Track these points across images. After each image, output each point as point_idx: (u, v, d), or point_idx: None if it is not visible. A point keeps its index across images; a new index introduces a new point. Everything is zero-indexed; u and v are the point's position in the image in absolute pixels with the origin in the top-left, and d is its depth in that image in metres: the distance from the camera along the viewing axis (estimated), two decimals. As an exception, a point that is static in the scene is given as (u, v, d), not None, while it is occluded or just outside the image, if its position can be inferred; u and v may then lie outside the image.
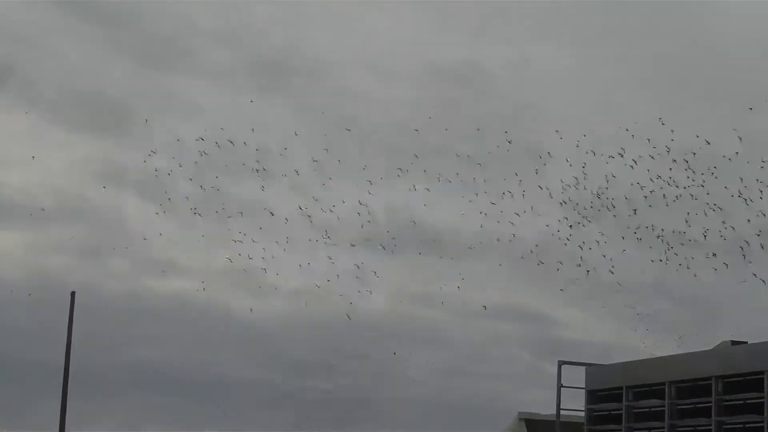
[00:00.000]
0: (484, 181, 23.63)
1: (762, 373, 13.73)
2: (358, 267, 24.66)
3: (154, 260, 36.85)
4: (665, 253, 22.89)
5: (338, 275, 24.70)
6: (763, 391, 13.63)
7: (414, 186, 24.09)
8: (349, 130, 25.58)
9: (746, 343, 15.18)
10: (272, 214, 25.07)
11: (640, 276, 24.15)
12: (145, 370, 39.03)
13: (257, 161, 24.69)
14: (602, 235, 24.22)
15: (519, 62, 37.23)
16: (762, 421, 13.58)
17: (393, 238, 24.51)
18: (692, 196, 22.20)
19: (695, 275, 23.46)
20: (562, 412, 17.61)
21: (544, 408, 18.45)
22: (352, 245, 24.67)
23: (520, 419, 18.75)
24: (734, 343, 15.24)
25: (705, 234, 22.17)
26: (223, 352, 37.27)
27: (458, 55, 38.15)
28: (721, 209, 22.00)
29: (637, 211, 22.52)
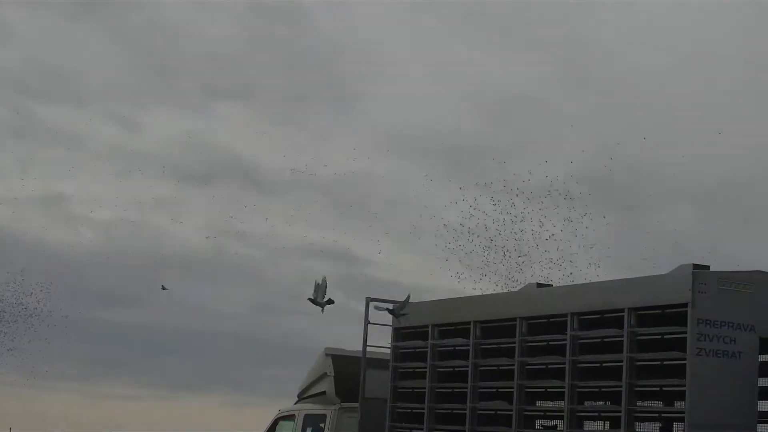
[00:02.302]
0: (301, 116, 23.55)
1: (565, 315, 14.19)
2: (171, 198, 24.25)
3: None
4: (477, 194, 23.41)
5: (151, 206, 24.24)
6: (566, 333, 14.10)
7: (230, 119, 23.84)
8: (166, 61, 24.96)
9: (551, 286, 15.69)
10: (84, 143, 24.35)
11: (452, 216, 24.62)
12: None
13: (69, 88, 23.86)
14: (426, 176, 24.59)
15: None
16: (564, 363, 14.05)
17: (208, 171, 24.16)
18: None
19: (503, 220, 24.12)
20: (368, 348, 17.80)
21: (352, 344, 18.61)
22: (166, 176, 24.20)
23: (327, 355, 18.84)
24: (539, 285, 15.70)
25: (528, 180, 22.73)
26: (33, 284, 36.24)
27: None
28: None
29: (460, 158, 22.88)
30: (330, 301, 18.85)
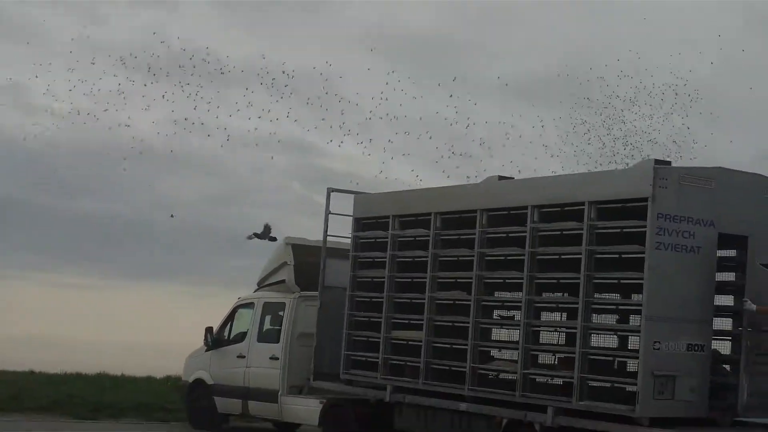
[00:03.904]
0: (267, 10, 23.24)
1: (526, 208, 14.21)
2: (131, 89, 23.94)
3: None
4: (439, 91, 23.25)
5: (110, 96, 23.90)
6: (526, 226, 14.14)
7: (194, 11, 23.47)
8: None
9: (512, 179, 15.68)
10: (44, 34, 23.91)
11: (410, 110, 24.49)
12: None
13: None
14: (390, 73, 24.38)
15: None
16: (523, 254, 14.12)
17: (169, 63, 23.79)
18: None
19: (468, 118, 24.03)
20: (329, 238, 17.82)
21: (312, 235, 18.63)
22: (123, 66, 23.82)
23: (287, 244, 18.85)
24: (501, 178, 15.69)
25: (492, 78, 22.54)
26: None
27: None
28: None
29: (423, 55, 22.67)
30: (273, 238, 19.14)
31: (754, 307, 12.78)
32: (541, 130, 24.06)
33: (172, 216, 31.65)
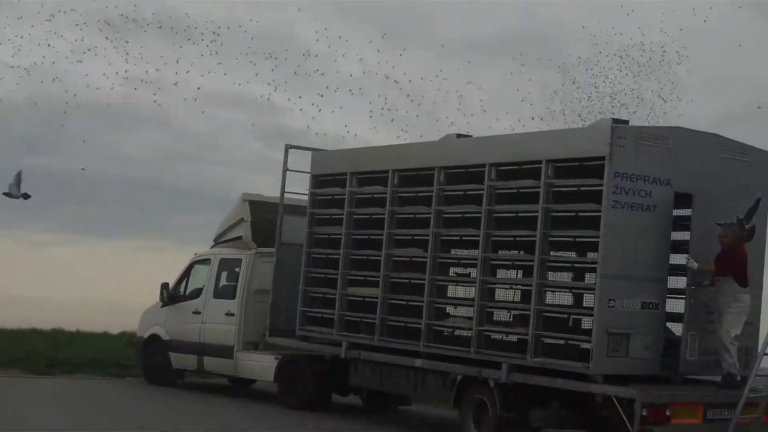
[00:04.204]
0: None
1: (483, 166, 14.19)
2: (84, 43, 23.59)
3: None
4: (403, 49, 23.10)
5: (62, 51, 23.54)
6: (484, 183, 14.12)
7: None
8: None
9: (471, 136, 15.64)
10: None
11: (379, 69, 24.35)
12: None
13: None
14: (350, 29, 24.21)
15: None
16: (480, 212, 14.11)
17: (124, 17, 23.46)
18: None
19: (422, 77, 23.94)
20: (286, 195, 17.74)
21: (270, 191, 18.53)
22: (80, 21, 23.46)
23: (244, 200, 18.74)
24: (459, 135, 15.66)
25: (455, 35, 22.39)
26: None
27: None
28: None
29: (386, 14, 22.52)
30: (26, 195, 19.01)
31: (695, 265, 12.86)
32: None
33: (82, 169, 31.61)
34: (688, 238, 13.20)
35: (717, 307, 12.97)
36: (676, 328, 13.28)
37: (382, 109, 23.68)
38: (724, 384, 12.88)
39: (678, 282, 13.37)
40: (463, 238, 14.82)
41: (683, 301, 13.29)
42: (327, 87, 23.70)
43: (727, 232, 12.96)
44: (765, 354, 12.36)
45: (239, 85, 24.53)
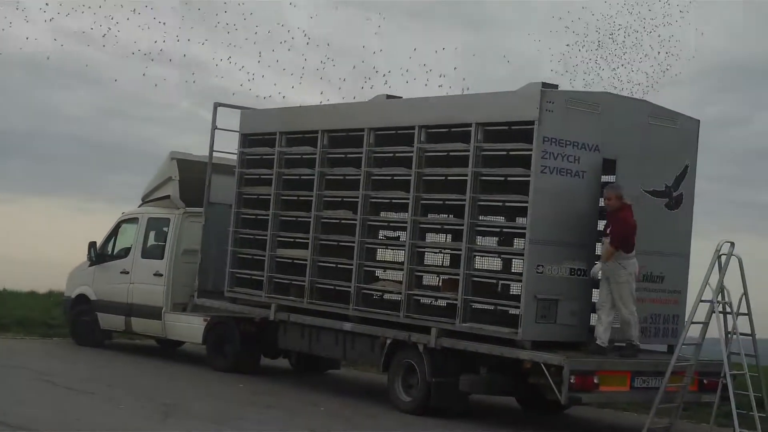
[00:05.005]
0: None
1: (413, 128, 14.03)
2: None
3: None
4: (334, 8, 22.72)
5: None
6: (413, 146, 13.97)
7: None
8: None
9: (401, 98, 15.45)
10: None
11: (313, 30, 23.99)
12: None
13: None
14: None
15: None
16: (410, 175, 13.97)
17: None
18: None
19: (359, 32, 23.63)
20: (215, 154, 17.46)
21: (199, 150, 18.23)
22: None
23: (172, 159, 18.41)
24: (389, 97, 15.47)
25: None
26: None
27: None
28: None
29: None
30: None
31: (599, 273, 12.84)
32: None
33: None
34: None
35: (605, 272, 12.76)
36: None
37: (317, 70, 23.33)
38: (625, 353, 12.87)
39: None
40: (393, 200, 14.68)
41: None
42: (254, 43, 23.28)
43: (611, 194, 12.75)
44: (692, 323, 12.37)
45: (166, 42, 23.99)
